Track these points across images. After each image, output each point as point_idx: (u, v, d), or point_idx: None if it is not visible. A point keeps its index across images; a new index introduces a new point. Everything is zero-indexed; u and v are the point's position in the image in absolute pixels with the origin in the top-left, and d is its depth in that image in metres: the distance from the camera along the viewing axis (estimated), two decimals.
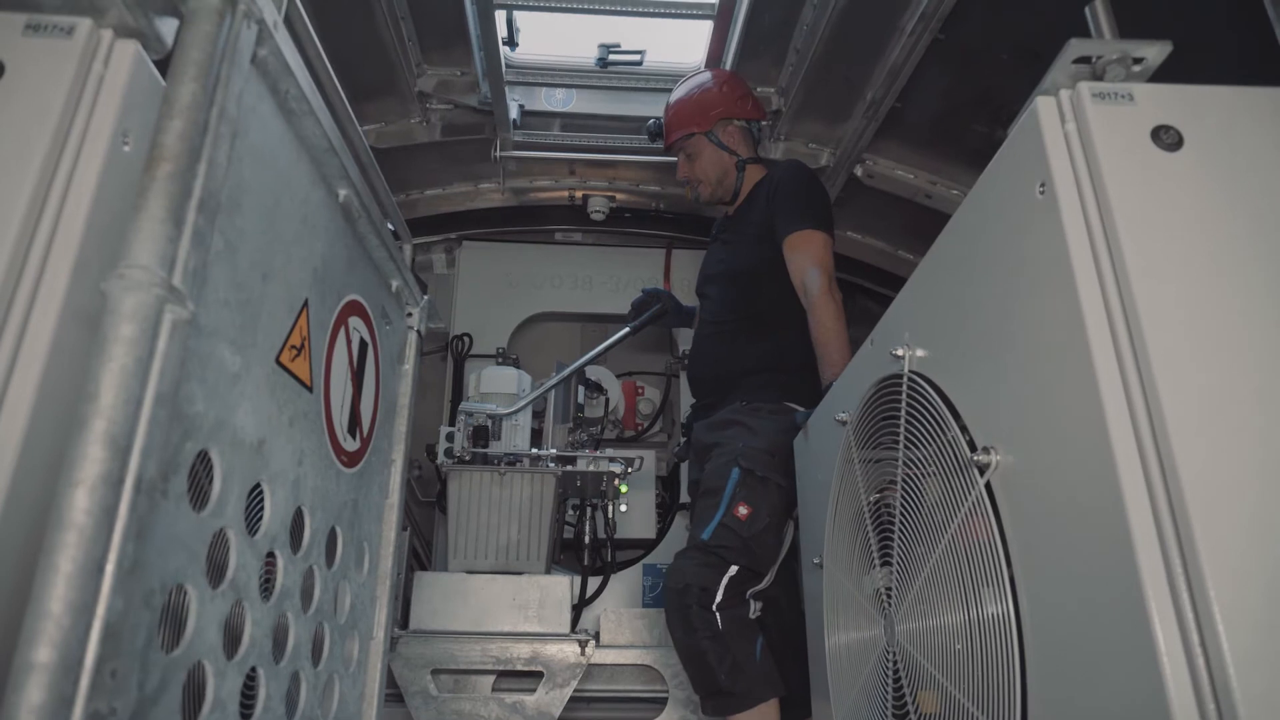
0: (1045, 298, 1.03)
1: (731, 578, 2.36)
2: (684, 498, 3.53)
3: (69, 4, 1.01)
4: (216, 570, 1.12)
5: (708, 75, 3.02)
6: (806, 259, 2.59)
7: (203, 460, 1.08)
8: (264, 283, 1.22)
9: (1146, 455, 0.89)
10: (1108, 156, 1.01)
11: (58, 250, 0.95)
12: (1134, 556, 0.85)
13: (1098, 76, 1.05)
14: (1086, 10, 1.12)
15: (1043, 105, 1.07)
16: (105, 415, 0.80)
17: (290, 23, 1.21)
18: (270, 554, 1.29)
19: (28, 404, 0.89)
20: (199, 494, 1.08)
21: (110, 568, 0.79)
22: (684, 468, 3.53)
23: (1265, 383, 0.91)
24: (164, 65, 1.05)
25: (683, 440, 3.20)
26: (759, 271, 2.74)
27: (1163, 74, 1.08)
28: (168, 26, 1.08)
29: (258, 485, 1.25)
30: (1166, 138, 1.02)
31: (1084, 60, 1.05)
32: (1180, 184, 1.00)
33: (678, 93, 3.01)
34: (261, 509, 1.26)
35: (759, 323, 2.75)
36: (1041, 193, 1.05)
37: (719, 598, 2.34)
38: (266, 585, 1.29)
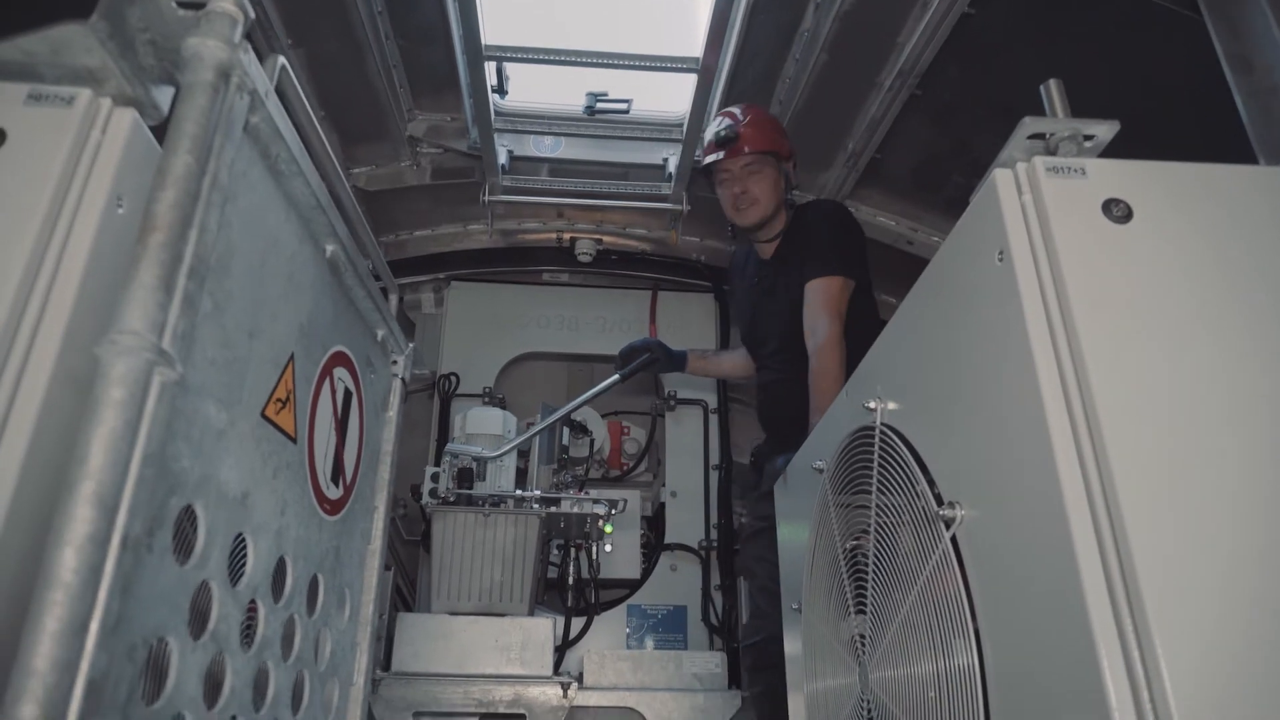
0: (1003, 359, 1.07)
1: None
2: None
3: (69, 75, 1.06)
4: (198, 621, 1.13)
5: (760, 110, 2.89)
6: (820, 305, 2.63)
7: (187, 514, 1.11)
8: (250, 340, 1.25)
9: (1097, 513, 0.93)
10: (1061, 227, 1.06)
11: (51, 311, 0.98)
12: (1086, 612, 0.89)
13: (1051, 151, 1.11)
14: (1041, 89, 1.17)
15: (1000, 177, 1.12)
16: (94, 477, 0.82)
17: (281, 89, 1.26)
18: (252, 603, 1.31)
19: (17, 462, 0.92)
20: (183, 547, 1.10)
21: (95, 625, 0.81)
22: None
23: (1206, 442, 0.95)
24: (160, 129, 1.09)
25: (751, 468, 3.13)
26: None
27: (1120, 146, 1.14)
28: (164, 94, 1.13)
29: (241, 536, 1.27)
30: (1117, 210, 1.07)
31: (1038, 136, 1.10)
32: (1129, 254, 1.05)
33: (744, 112, 2.84)
34: (244, 559, 1.28)
35: None
36: (1000, 260, 1.09)
37: None
38: (247, 635, 1.30)
